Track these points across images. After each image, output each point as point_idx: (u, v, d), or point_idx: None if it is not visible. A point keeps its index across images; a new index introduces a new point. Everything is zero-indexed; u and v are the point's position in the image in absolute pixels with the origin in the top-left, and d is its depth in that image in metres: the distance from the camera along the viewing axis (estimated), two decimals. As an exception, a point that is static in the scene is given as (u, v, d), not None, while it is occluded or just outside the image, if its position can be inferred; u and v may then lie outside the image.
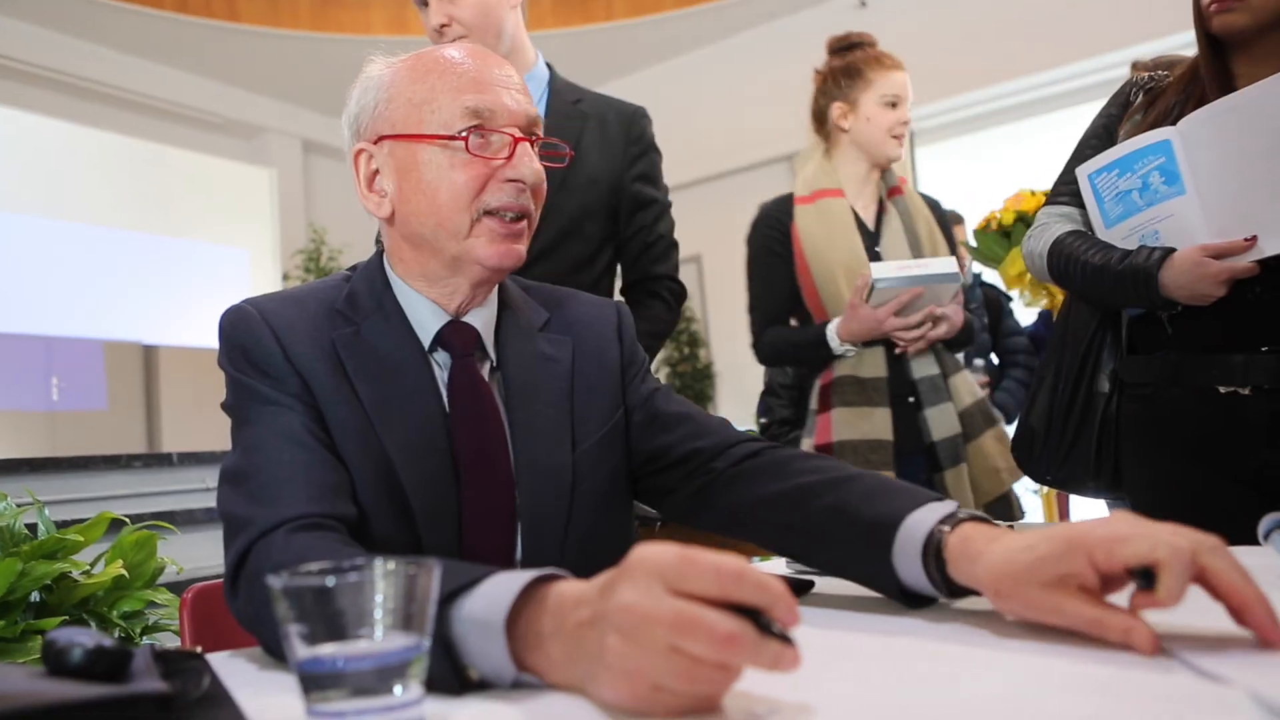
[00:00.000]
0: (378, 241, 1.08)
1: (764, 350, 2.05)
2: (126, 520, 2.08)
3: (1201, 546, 0.60)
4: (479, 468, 0.95)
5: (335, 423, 0.91)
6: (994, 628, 0.69)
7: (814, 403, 1.96)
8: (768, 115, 5.72)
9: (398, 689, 0.51)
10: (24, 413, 5.84)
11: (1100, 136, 1.53)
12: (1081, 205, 1.52)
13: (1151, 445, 1.45)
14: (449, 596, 0.62)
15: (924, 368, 1.87)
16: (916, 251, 1.94)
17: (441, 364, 0.98)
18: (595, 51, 6.35)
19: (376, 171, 0.98)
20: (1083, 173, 1.48)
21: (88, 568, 1.90)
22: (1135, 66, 2.16)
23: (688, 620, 0.50)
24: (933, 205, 2.07)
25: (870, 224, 1.98)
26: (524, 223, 0.97)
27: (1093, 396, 1.52)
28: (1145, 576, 0.60)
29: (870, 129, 1.95)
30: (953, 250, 2.05)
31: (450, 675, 0.61)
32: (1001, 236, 2.71)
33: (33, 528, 1.98)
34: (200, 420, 6.00)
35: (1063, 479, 1.57)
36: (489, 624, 0.60)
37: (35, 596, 1.80)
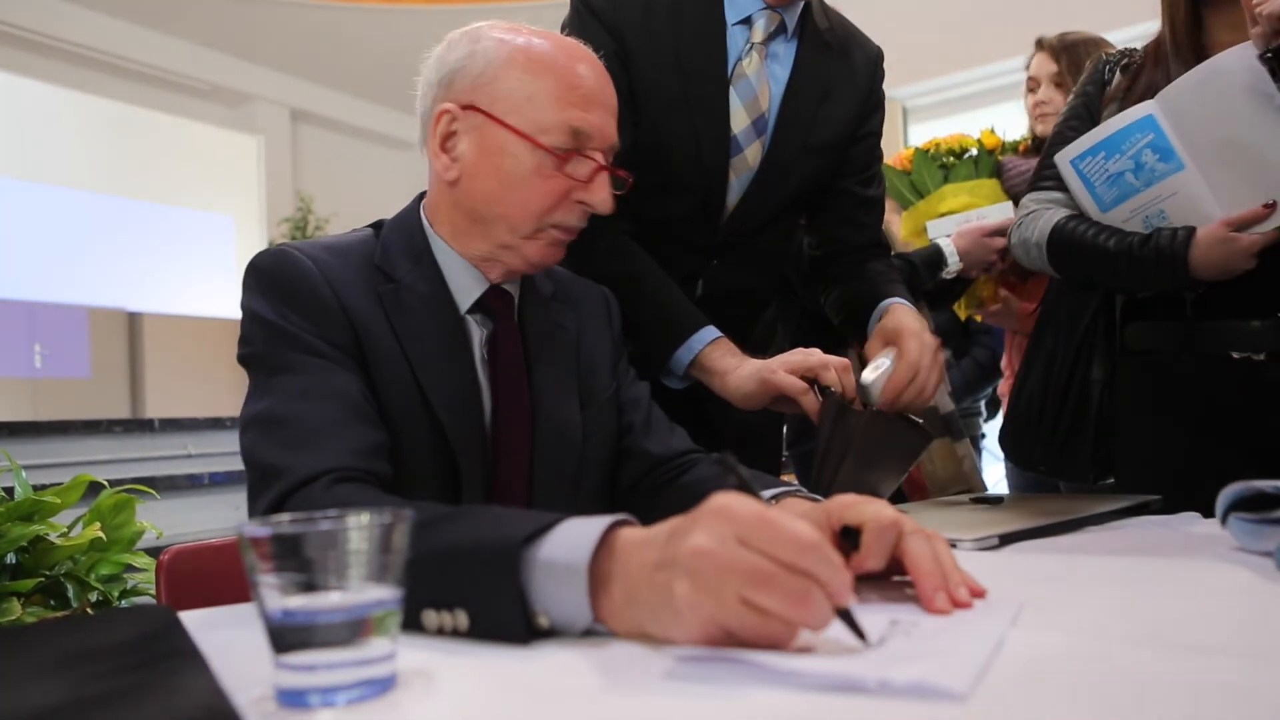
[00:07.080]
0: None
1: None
2: (105, 484, 2.06)
3: (908, 526, 0.65)
4: (511, 428, 0.99)
5: (383, 379, 0.91)
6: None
7: None
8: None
9: (370, 642, 0.49)
10: (6, 379, 5.79)
11: (1081, 117, 1.47)
12: (1067, 189, 1.46)
13: (1155, 416, 1.41)
14: (525, 540, 0.59)
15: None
16: None
17: (479, 324, 1.00)
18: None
19: (454, 134, 0.97)
20: (1063, 159, 1.41)
21: (65, 530, 1.88)
22: (1039, 45, 2.13)
23: (764, 575, 0.51)
24: None
25: None
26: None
27: (1088, 382, 1.47)
28: (850, 540, 0.66)
29: None
30: None
31: (520, 623, 0.58)
32: (939, 168, 2.25)
33: (10, 491, 1.96)
34: (184, 387, 5.95)
35: (1058, 466, 1.52)
36: (571, 567, 0.58)
37: (11, 558, 1.79)
